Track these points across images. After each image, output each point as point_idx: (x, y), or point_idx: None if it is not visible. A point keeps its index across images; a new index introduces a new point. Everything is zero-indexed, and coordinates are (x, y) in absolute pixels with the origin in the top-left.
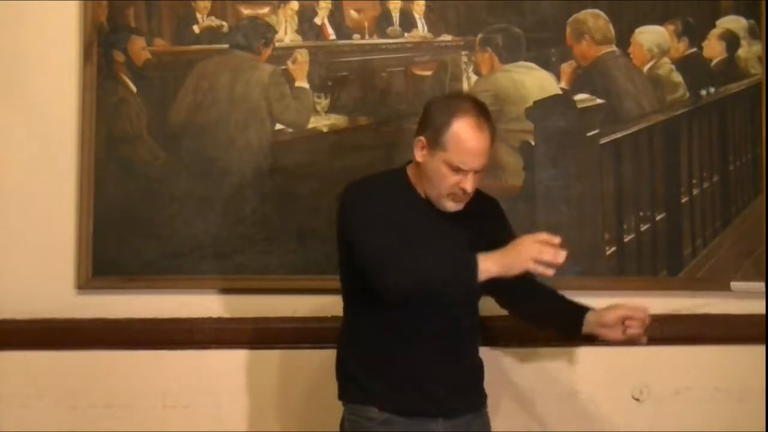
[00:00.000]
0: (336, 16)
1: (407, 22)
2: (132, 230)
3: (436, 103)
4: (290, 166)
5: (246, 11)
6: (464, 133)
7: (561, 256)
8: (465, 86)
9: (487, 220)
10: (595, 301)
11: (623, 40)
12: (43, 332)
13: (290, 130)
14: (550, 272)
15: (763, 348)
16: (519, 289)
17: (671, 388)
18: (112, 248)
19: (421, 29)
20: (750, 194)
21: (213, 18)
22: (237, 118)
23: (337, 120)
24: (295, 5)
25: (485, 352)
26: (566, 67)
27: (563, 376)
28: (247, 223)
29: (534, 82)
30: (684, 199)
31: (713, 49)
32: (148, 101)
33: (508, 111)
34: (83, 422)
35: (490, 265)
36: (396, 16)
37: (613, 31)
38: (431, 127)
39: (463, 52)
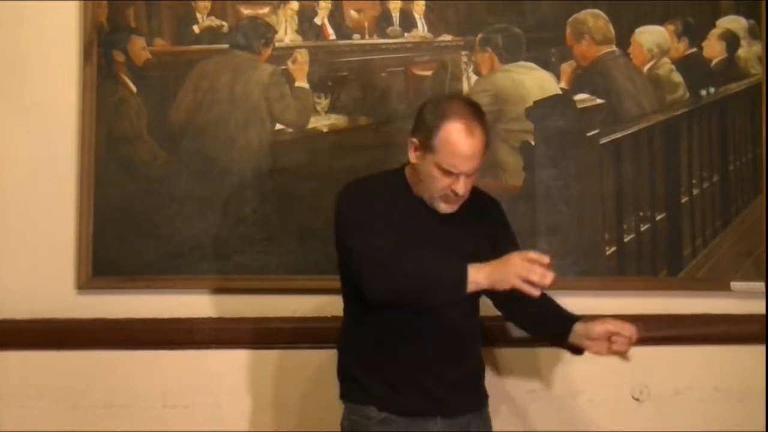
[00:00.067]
0: (336, 16)
1: (407, 22)
2: (132, 230)
3: (429, 104)
4: (290, 166)
5: (246, 11)
6: (454, 137)
7: (548, 277)
8: (465, 86)
9: (487, 222)
10: (595, 301)
11: (623, 40)
12: (43, 332)
13: (290, 130)
14: (535, 292)
15: (763, 348)
16: (514, 294)
17: (671, 388)
18: (112, 248)
19: (421, 29)
20: (750, 194)
21: (213, 18)
22: (237, 118)
23: (337, 120)
24: (295, 5)
25: (485, 352)
26: (566, 67)
27: (563, 376)
28: (247, 223)
29: (534, 82)
30: (684, 199)
31: (713, 49)
32: (148, 101)
33: (508, 111)
34: (83, 422)
35: (480, 277)
36: (396, 16)
37: (613, 31)
38: (423, 129)
39: (463, 52)
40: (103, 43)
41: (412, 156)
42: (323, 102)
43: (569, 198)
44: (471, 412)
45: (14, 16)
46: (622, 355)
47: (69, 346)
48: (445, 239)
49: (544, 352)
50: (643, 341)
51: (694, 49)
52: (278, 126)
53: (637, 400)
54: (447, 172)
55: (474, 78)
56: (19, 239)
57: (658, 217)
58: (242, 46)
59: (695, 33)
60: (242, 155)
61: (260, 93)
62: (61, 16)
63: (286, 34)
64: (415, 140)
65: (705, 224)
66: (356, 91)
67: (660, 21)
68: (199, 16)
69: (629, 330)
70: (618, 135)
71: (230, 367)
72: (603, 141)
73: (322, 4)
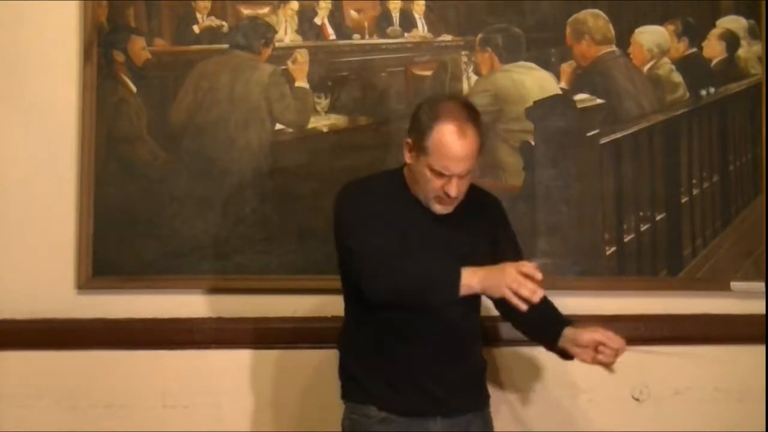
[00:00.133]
0: (336, 16)
1: (407, 22)
2: (132, 230)
3: (425, 105)
4: (290, 166)
5: (246, 11)
6: (445, 139)
7: (538, 294)
8: (465, 86)
9: (487, 221)
10: (595, 301)
11: (623, 40)
12: (43, 332)
13: (290, 130)
14: (523, 307)
15: (763, 348)
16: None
17: (671, 388)
18: (112, 248)
19: (421, 29)
20: (750, 194)
21: (213, 18)
22: (237, 118)
23: (337, 120)
24: (295, 5)
25: (485, 352)
26: (566, 67)
27: (563, 376)
28: (247, 223)
29: (534, 82)
30: (684, 199)
31: (713, 49)
32: (148, 101)
33: (508, 111)
34: (83, 422)
35: (473, 281)
36: (396, 16)
37: (613, 31)
38: (417, 129)
39: (463, 52)
40: (103, 43)
41: (407, 156)
42: (323, 102)
43: (569, 198)
44: (471, 411)
45: (14, 16)
46: (607, 366)
47: (69, 346)
48: (442, 240)
49: (544, 352)
50: (643, 341)
51: (694, 49)
52: (278, 126)
53: (637, 400)
54: (439, 174)
55: (474, 78)
56: (19, 239)
57: (658, 217)
58: (242, 46)
59: (695, 33)
60: (242, 155)
61: (260, 93)
62: (61, 16)
63: (286, 34)
64: (409, 141)
65: (705, 224)
66: (356, 91)
67: (660, 21)
68: (199, 16)
69: (617, 343)
70: (618, 135)
71: (230, 367)
72: (603, 141)
73: (322, 4)
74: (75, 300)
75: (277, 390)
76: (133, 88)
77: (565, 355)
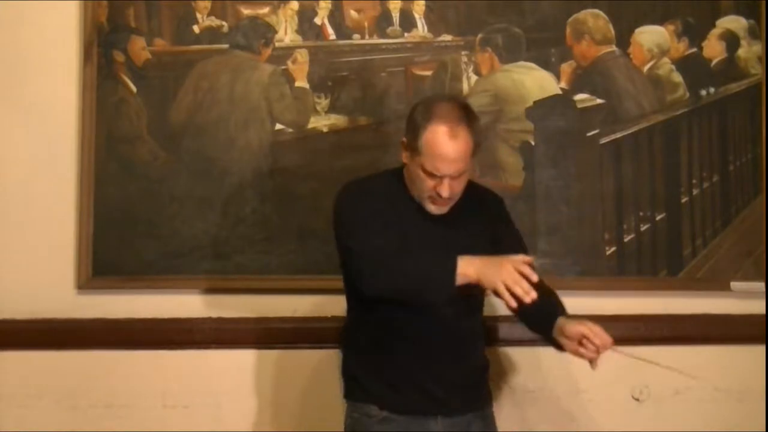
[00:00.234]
0: (336, 16)
1: (407, 22)
2: (132, 230)
3: (420, 105)
4: (290, 166)
5: (246, 11)
6: (436, 140)
7: (531, 295)
8: (465, 86)
9: (486, 219)
10: (595, 301)
11: (623, 40)
12: (43, 332)
13: (290, 130)
14: (512, 304)
15: (763, 348)
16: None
17: (671, 388)
18: (112, 248)
19: (421, 29)
20: (750, 194)
21: (213, 18)
22: (237, 118)
23: (337, 120)
24: (295, 5)
25: (486, 352)
26: (566, 67)
27: (563, 376)
28: (247, 223)
29: (534, 82)
30: (684, 199)
31: (713, 49)
32: (148, 101)
33: (508, 111)
34: (83, 422)
35: (470, 270)
36: (396, 16)
37: (613, 31)
38: (411, 129)
39: (463, 52)
40: (103, 43)
41: (403, 156)
42: (323, 102)
43: (569, 198)
44: (472, 411)
45: (14, 16)
46: (590, 361)
47: (69, 346)
48: (441, 239)
49: (544, 352)
50: (643, 341)
51: (694, 49)
52: (278, 126)
53: (637, 400)
54: (431, 174)
55: (474, 78)
56: (19, 239)
57: (658, 217)
58: (242, 46)
59: (695, 33)
60: (242, 155)
61: (260, 93)
62: (61, 16)
63: (286, 34)
64: (404, 140)
65: (705, 224)
66: (356, 91)
67: (660, 21)
68: (199, 16)
69: (600, 339)
70: (618, 135)
71: (230, 367)
72: (603, 141)
73: (322, 4)
74: (75, 300)
75: (277, 390)
76: (133, 88)
77: (558, 346)
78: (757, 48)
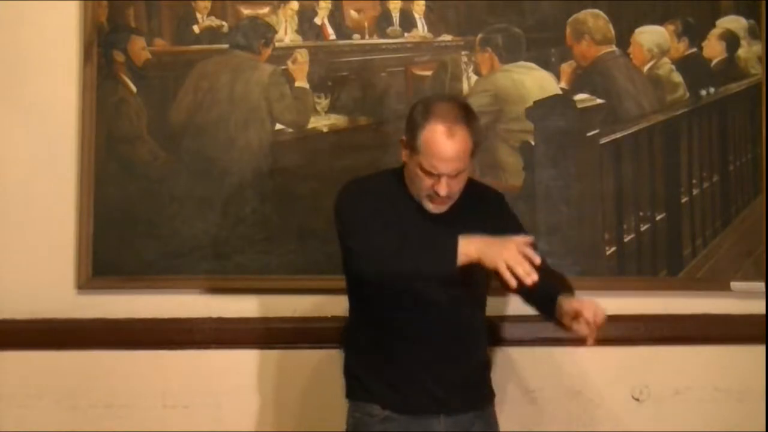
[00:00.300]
0: (336, 16)
1: (407, 22)
2: (132, 230)
3: (419, 104)
4: (290, 166)
5: (246, 11)
6: (434, 139)
7: (532, 277)
8: (465, 86)
9: (486, 216)
10: (595, 301)
11: (623, 40)
12: (43, 332)
13: (290, 130)
14: (513, 284)
15: (763, 348)
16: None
17: (671, 388)
18: (112, 248)
19: (421, 29)
20: (750, 194)
21: (213, 18)
22: (237, 118)
23: (337, 120)
24: (295, 5)
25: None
26: (566, 67)
27: (563, 376)
28: (247, 223)
29: (534, 82)
30: (684, 199)
31: (713, 49)
32: (148, 101)
33: (508, 111)
34: (83, 422)
35: (470, 248)
36: (396, 16)
37: (613, 31)
38: (410, 128)
39: (463, 52)
40: (103, 43)
41: (402, 154)
42: (323, 102)
43: (569, 198)
44: (473, 410)
45: (14, 16)
46: (586, 338)
47: (69, 346)
48: None
49: (544, 352)
50: (643, 341)
51: (694, 49)
52: (278, 126)
53: (637, 400)
54: (429, 173)
55: (474, 78)
56: (19, 239)
57: (658, 217)
58: (242, 46)
59: (695, 33)
60: (242, 155)
61: (260, 93)
62: (61, 16)
63: (286, 34)
64: (404, 139)
65: (705, 224)
66: (356, 91)
67: (660, 21)
68: (199, 16)
69: (590, 313)
70: (618, 135)
71: (230, 367)
72: (603, 141)
73: (322, 4)
74: (75, 300)
75: (277, 390)
76: (133, 88)
77: (561, 325)
78: (757, 48)
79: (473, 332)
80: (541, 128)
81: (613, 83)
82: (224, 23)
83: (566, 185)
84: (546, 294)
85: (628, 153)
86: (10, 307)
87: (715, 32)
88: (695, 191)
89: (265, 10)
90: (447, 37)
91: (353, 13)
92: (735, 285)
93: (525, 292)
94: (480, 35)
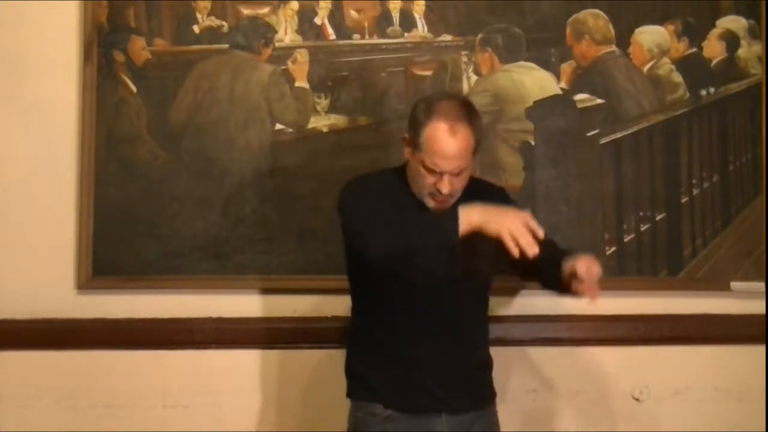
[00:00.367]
0: (336, 16)
1: (407, 22)
2: (132, 230)
3: (421, 102)
4: (290, 166)
5: (246, 11)
6: (436, 137)
7: (534, 249)
8: (465, 86)
9: None
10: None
11: (623, 40)
12: (43, 332)
13: (290, 130)
14: (515, 251)
15: (763, 348)
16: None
17: (671, 388)
18: (112, 248)
19: (421, 29)
20: (750, 194)
21: (213, 18)
22: (237, 118)
23: (337, 120)
24: (295, 5)
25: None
26: (566, 67)
27: (563, 376)
28: (247, 223)
29: (534, 82)
30: (684, 199)
31: (713, 49)
32: (148, 101)
33: (508, 111)
34: (83, 422)
35: (472, 216)
36: (396, 16)
37: (613, 31)
38: (413, 126)
39: (463, 52)
40: (103, 43)
41: (404, 152)
42: (323, 102)
43: (569, 198)
44: (474, 410)
45: (14, 16)
46: (588, 297)
47: (69, 346)
48: None
49: (544, 352)
50: (642, 341)
51: (694, 49)
52: (278, 126)
53: (637, 400)
54: (431, 171)
55: (474, 78)
56: (19, 239)
57: (658, 217)
58: (242, 46)
59: (695, 33)
60: (242, 155)
61: (260, 93)
62: (61, 16)
63: (286, 34)
64: (406, 137)
65: (705, 224)
66: (356, 91)
67: (660, 21)
68: (199, 16)
69: (584, 268)
70: (618, 135)
71: (230, 367)
72: (603, 141)
73: (322, 4)
74: (75, 300)
75: (277, 390)
76: (133, 88)
77: (568, 292)
78: (757, 48)
79: (475, 332)
80: (541, 128)
81: (613, 83)
82: (224, 23)
83: (566, 185)
84: (552, 264)
85: (628, 153)
86: (10, 307)
87: (715, 32)
88: (695, 191)
89: (265, 10)
90: (447, 37)
91: (353, 13)
92: (735, 285)
93: (528, 266)
94: (480, 35)
